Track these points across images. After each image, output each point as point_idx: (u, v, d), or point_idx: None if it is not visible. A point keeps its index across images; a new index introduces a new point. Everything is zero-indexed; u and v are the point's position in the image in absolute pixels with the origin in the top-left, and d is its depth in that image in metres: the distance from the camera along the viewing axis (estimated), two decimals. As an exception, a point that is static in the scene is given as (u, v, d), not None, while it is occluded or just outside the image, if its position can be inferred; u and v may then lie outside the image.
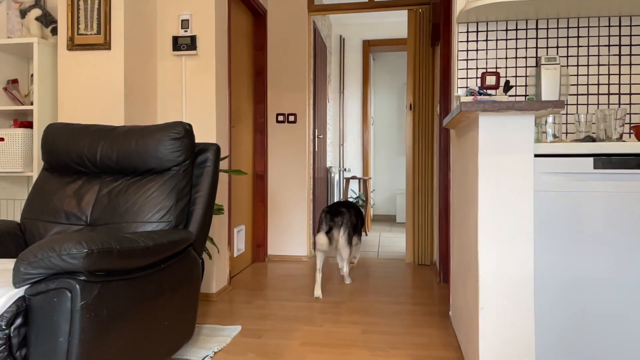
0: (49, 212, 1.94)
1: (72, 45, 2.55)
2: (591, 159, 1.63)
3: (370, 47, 6.07)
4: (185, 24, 2.81)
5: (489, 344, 1.57)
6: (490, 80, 2.26)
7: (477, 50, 2.28)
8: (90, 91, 2.54)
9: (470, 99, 2.05)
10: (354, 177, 5.69)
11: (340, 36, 6.06)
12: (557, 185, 1.66)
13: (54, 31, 2.79)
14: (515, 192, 1.54)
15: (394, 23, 6.00)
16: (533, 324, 1.53)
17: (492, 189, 1.56)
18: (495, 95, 2.19)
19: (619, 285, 1.64)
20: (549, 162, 1.66)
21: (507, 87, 2.15)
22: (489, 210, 1.57)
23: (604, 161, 1.62)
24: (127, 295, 1.45)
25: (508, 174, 1.55)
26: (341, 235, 3.06)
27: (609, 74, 2.18)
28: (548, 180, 1.67)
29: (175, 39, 2.81)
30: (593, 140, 1.88)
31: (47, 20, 2.80)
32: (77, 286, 1.25)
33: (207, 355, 2.03)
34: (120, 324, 1.41)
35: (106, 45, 2.52)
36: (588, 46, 2.19)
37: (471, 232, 1.74)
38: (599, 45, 2.18)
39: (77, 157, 1.98)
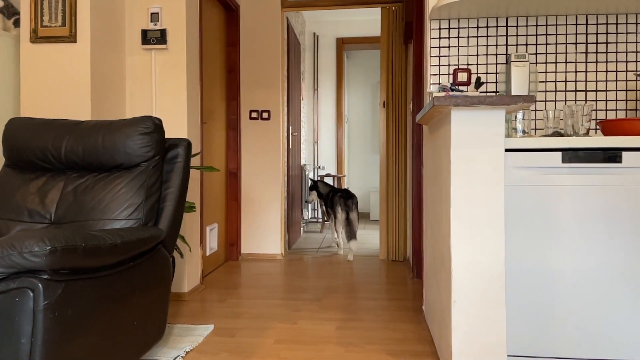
0: (10, 210, 1.86)
1: (36, 38, 2.45)
2: (559, 153, 1.66)
3: (344, 44, 6.07)
4: (154, 17, 2.74)
5: (461, 336, 1.58)
6: (462, 76, 2.28)
7: (449, 47, 2.30)
8: (54, 85, 2.45)
9: (442, 95, 2.07)
10: (328, 175, 5.69)
11: (314, 33, 6.05)
12: (527, 179, 1.69)
13: (17, 23, 2.68)
14: (486, 186, 1.56)
15: (368, 21, 6.02)
16: (504, 316, 1.55)
17: (464, 183, 1.58)
18: (467, 91, 2.21)
19: (586, 276, 1.68)
20: (519, 156, 1.69)
21: (479, 83, 2.17)
22: (461, 204, 1.58)
23: (572, 155, 1.65)
24: (94, 295, 1.40)
25: (480, 168, 1.56)
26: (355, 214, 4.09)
27: (575, 71, 2.23)
28: (518, 174, 1.69)
29: (145, 33, 2.74)
30: (561, 135, 1.92)
31: (9, 12, 2.69)
32: (40, 285, 1.20)
33: (179, 355, 1.99)
34: (86, 324, 1.36)
35: (71, 38, 2.44)
36: (556, 44, 2.23)
37: (444, 227, 1.75)
38: (566, 43, 2.23)
39: (40, 153, 1.91)
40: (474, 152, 1.56)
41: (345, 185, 6.35)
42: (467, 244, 1.58)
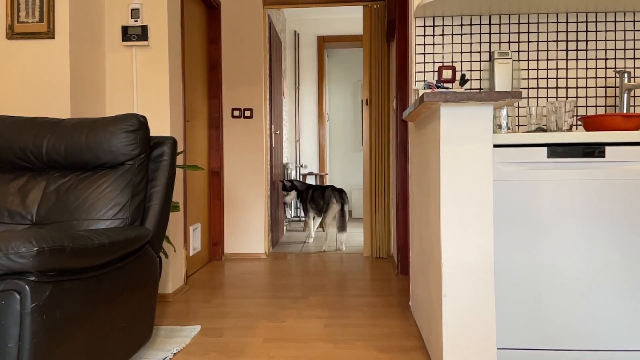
0: (-11, 211, 1.80)
1: (12, 34, 2.38)
2: (545, 148, 1.69)
3: (325, 42, 6.07)
4: (135, 13, 2.69)
5: (452, 330, 1.60)
6: (447, 74, 2.30)
7: (433, 44, 2.32)
8: (32, 83, 2.38)
9: (428, 92, 2.08)
10: (310, 173, 5.69)
11: (295, 31, 6.04)
12: (513, 175, 1.71)
13: (-9, 18, 2.59)
14: (476, 181, 1.58)
15: (349, 19, 6.03)
16: (494, 309, 1.58)
17: (453, 179, 1.59)
18: (452, 88, 2.23)
19: (571, 270, 1.71)
20: (505, 152, 1.71)
21: (463, 80, 2.20)
22: (451, 199, 1.59)
23: (557, 150, 1.68)
24: (82, 297, 1.36)
25: (469, 163, 1.58)
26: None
27: (557, 68, 2.27)
28: (504, 169, 1.72)
29: (125, 29, 2.69)
30: (544, 131, 1.96)
31: (-17, 7, 2.60)
32: (27, 287, 1.16)
33: (166, 357, 1.96)
34: (74, 327, 1.33)
35: (49, 34, 2.37)
36: (537, 41, 2.27)
37: (433, 222, 1.77)
38: (547, 41, 2.27)
39: (20, 152, 1.85)
40: (463, 148, 1.58)
41: (327, 183, 6.36)
42: (457, 239, 1.59)
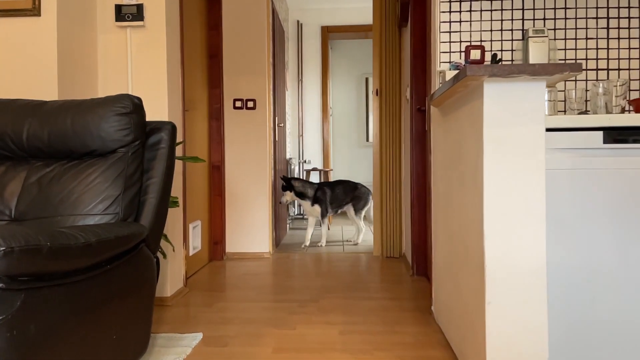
0: (-39, 206, 1.57)
1: (-7, 11, 2.15)
2: (600, 132, 1.47)
3: (329, 33, 5.84)
4: (130, -9, 2.45)
5: (496, 342, 1.38)
6: (475, 54, 2.08)
7: (460, 21, 2.10)
8: (16, 64, 2.15)
9: (471, 66, 1.86)
10: (314, 169, 5.47)
11: (298, 21, 5.80)
12: (562, 163, 1.49)
13: (-30, -5, 2.36)
14: (525, 169, 1.36)
15: (353, 9, 5.80)
16: (546, 318, 1.36)
17: (498, 167, 1.37)
18: (482, 70, 2.01)
19: (632, 272, 1.49)
20: (553, 137, 1.49)
21: (495, 60, 1.98)
22: (496, 192, 1.37)
23: (615, 135, 1.46)
24: (63, 306, 1.14)
25: (517, 149, 1.36)
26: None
27: (597, 48, 2.05)
28: (552, 157, 1.50)
29: (119, 8, 2.45)
30: (591, 115, 1.74)
31: (-38, -17, 2.37)
32: (-9, 297, 0.94)
33: (165, 370, 1.73)
34: (54, 342, 1.10)
35: (35, 11, 2.14)
36: (576, 18, 2.06)
37: (470, 218, 1.55)
38: (586, 18, 2.05)
39: (-3, 138, 1.62)
40: (511, 131, 1.35)
41: (331, 179, 6.13)
42: (503, 238, 1.37)
